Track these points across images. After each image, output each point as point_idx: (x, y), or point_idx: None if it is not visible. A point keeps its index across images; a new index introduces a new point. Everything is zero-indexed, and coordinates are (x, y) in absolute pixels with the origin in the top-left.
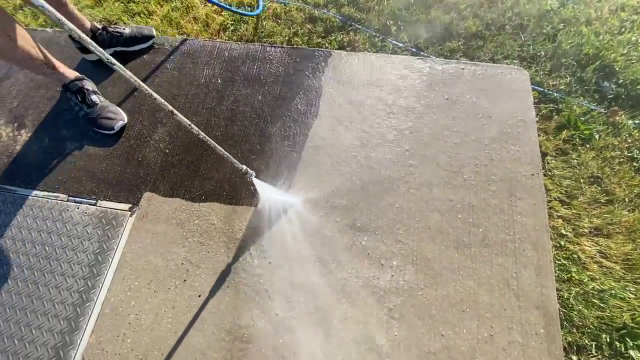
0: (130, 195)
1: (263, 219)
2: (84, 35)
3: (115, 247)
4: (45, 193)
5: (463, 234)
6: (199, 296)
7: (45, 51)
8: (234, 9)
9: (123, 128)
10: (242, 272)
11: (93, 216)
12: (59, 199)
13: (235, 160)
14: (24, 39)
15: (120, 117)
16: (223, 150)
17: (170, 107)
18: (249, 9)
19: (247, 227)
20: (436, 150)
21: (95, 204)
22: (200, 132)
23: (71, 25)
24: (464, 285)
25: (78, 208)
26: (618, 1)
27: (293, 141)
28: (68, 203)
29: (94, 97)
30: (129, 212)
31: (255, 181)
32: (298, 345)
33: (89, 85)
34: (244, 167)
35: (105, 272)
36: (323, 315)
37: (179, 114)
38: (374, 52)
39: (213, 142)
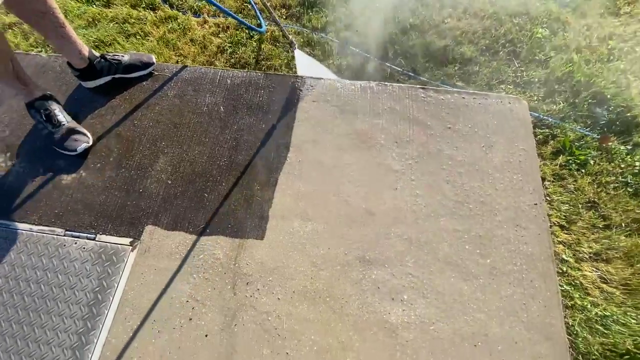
0: (131, 229)
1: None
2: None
3: (116, 285)
4: (41, 227)
5: (471, 265)
6: (206, 336)
7: (19, 65)
8: (248, 23)
9: (87, 150)
10: (250, 310)
11: (92, 252)
12: (55, 233)
13: (287, 33)
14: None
15: (85, 139)
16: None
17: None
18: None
19: (254, 262)
20: (441, 180)
21: (94, 239)
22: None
23: None
24: (474, 318)
25: (76, 243)
26: (605, 30)
27: (293, 168)
28: (65, 238)
29: (60, 117)
30: (130, 247)
31: (297, 52)
32: None
33: (55, 104)
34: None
35: (106, 312)
36: (335, 354)
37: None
38: (371, 74)
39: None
